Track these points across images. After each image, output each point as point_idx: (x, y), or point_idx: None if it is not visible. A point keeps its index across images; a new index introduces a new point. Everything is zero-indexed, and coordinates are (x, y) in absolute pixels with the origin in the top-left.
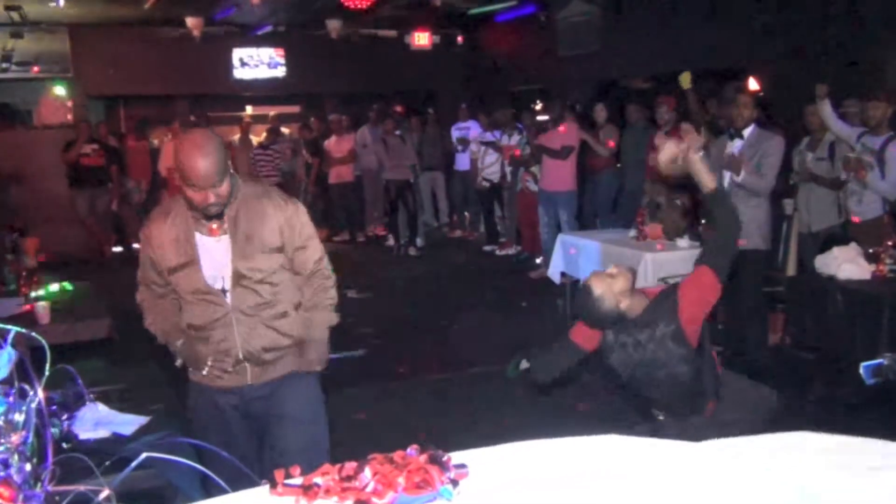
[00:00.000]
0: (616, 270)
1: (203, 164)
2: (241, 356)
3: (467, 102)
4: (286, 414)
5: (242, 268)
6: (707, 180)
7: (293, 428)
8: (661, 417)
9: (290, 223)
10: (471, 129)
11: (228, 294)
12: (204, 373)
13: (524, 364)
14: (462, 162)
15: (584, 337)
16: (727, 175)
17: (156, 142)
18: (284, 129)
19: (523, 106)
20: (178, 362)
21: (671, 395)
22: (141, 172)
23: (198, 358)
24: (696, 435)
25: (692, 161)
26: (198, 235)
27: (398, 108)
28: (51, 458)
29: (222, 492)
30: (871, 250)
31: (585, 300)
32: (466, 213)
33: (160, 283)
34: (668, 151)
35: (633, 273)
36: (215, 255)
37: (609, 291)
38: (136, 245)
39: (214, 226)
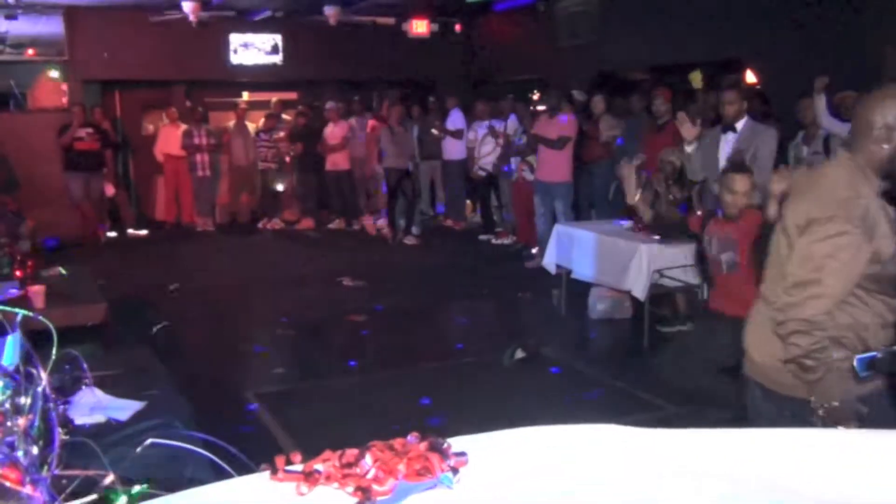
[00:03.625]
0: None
1: None
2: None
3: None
4: None
5: None
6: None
7: None
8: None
9: None
10: (451, 116)
11: None
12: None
13: (519, 353)
14: (450, 151)
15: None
16: (722, 158)
17: (151, 127)
18: (286, 116)
19: (521, 95)
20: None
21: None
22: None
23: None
24: None
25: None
26: None
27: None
28: (57, 442)
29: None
30: None
31: None
32: (468, 202)
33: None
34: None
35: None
36: None
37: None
38: (130, 230)
39: None
